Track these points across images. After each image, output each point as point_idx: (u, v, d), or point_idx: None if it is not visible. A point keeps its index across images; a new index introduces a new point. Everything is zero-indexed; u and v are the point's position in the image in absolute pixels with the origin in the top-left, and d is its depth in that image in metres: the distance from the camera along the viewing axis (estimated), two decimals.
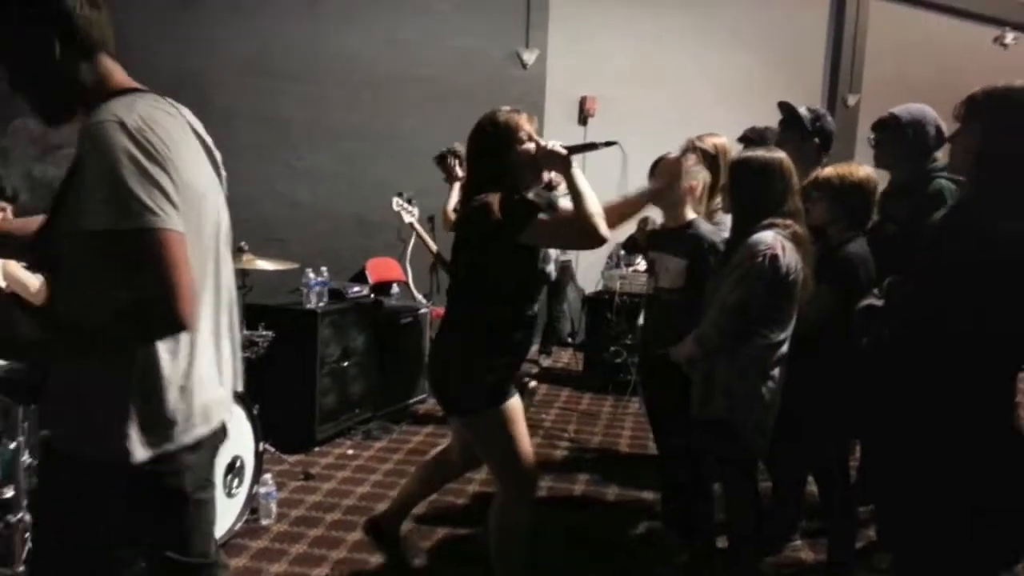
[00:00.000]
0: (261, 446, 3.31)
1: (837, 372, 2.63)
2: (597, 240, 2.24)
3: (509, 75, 6.93)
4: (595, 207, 2.25)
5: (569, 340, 7.11)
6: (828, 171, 2.80)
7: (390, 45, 6.40)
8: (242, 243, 3.52)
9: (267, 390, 3.87)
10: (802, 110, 3.30)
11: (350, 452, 4.23)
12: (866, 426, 2.21)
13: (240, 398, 3.21)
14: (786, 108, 3.37)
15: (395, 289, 5.65)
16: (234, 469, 3.17)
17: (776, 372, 2.62)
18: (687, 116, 6.21)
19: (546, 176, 2.50)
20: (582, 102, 7.43)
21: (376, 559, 3.06)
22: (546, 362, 6.65)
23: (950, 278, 1.69)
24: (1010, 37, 9.85)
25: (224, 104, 5.79)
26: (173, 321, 1.34)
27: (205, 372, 1.54)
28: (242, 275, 3.55)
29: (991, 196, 1.70)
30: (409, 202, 4.82)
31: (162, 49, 5.60)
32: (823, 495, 3.12)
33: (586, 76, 7.37)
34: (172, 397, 1.47)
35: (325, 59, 6.15)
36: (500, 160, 2.34)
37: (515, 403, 2.42)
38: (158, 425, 1.45)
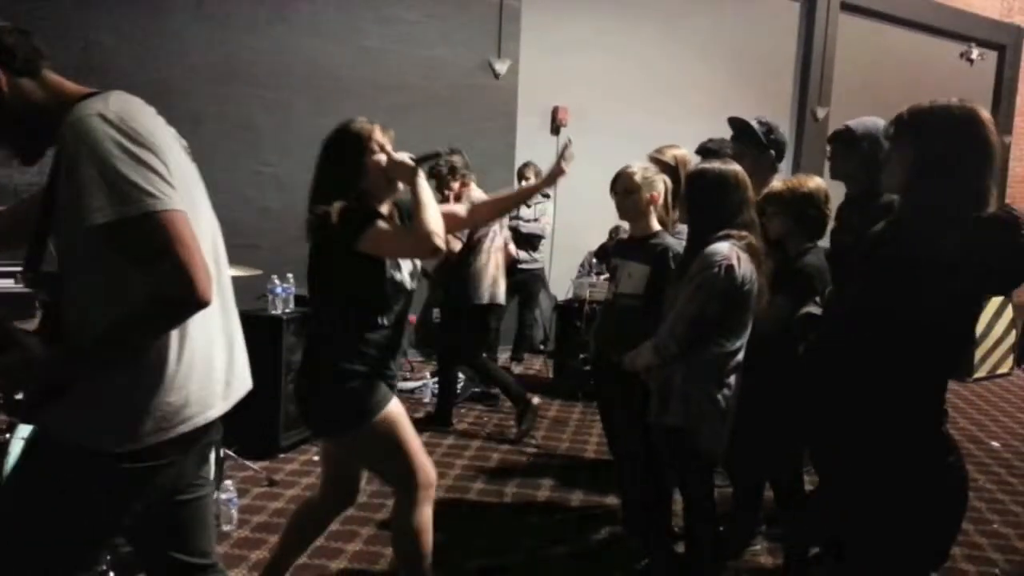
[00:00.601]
0: (222, 452, 3.30)
1: (789, 380, 2.68)
2: (429, 251, 2.25)
3: (480, 85, 6.98)
4: (434, 221, 2.24)
5: (541, 347, 7.14)
6: (777, 185, 2.87)
7: (359, 53, 6.42)
8: None
9: None
10: (754, 123, 3.35)
11: (315, 458, 4.21)
12: (805, 431, 2.25)
13: None
14: (738, 123, 3.42)
15: None
16: None
17: (731, 380, 2.66)
18: (658, 127, 6.27)
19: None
20: (554, 112, 7.49)
21: (337, 564, 3.07)
22: (517, 369, 6.67)
23: (873, 283, 1.75)
24: (975, 53, 10.08)
25: (192, 111, 5.78)
26: (192, 298, 1.35)
27: (210, 363, 1.55)
28: None
29: (919, 210, 1.75)
30: None
31: (129, 57, 5.60)
32: (778, 499, 3.18)
33: (558, 86, 7.43)
34: (175, 386, 1.47)
35: (294, 67, 6.16)
36: (346, 168, 2.33)
37: (392, 409, 2.35)
38: (159, 414, 1.45)
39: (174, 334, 1.45)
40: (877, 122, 3.10)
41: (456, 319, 4.92)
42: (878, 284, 1.75)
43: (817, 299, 2.37)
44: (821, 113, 9.07)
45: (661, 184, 3.11)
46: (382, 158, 2.34)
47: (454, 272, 4.79)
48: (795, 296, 2.72)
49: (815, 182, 2.83)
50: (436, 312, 5.69)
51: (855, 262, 1.88)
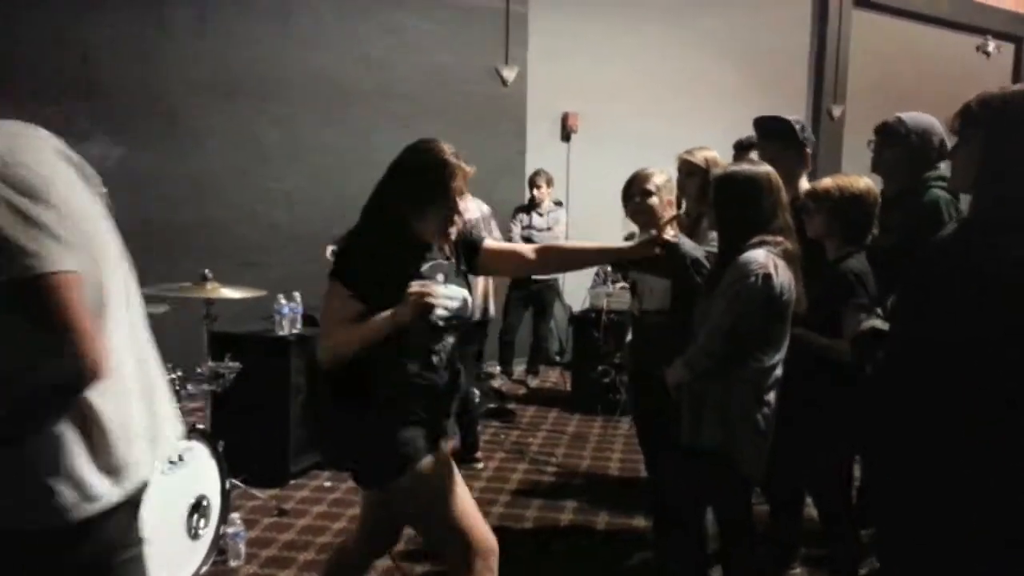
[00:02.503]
0: (228, 483, 3.13)
1: (834, 392, 2.51)
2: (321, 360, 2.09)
3: (488, 92, 6.83)
4: (344, 342, 2.05)
5: (557, 359, 6.97)
6: (827, 182, 2.68)
7: (364, 63, 6.28)
8: (206, 271, 3.35)
9: (237, 423, 3.69)
10: (790, 120, 3.16)
11: (327, 484, 4.05)
12: (870, 450, 2.05)
13: (203, 435, 3.05)
14: (768, 122, 3.22)
15: None
16: (199, 509, 2.99)
17: (771, 397, 2.48)
18: (671, 131, 6.11)
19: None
20: (564, 118, 7.32)
21: None
22: (533, 382, 6.49)
23: (960, 302, 1.54)
24: (992, 46, 9.86)
25: (195, 126, 5.67)
26: (82, 369, 1.18)
27: (132, 421, 1.37)
28: (207, 304, 3.37)
29: (999, 213, 1.55)
30: None
31: (131, 73, 5.47)
32: (823, 520, 2.99)
33: (568, 92, 7.26)
34: (109, 449, 1.30)
35: (298, 79, 6.02)
36: (411, 199, 2.13)
37: (437, 460, 2.13)
38: (90, 482, 1.28)
39: (108, 386, 1.28)
40: (933, 120, 2.95)
41: None
42: (952, 300, 1.55)
43: (879, 311, 2.18)
44: (837, 111, 8.87)
45: (674, 188, 2.95)
46: (428, 289, 2.04)
47: None
48: (838, 302, 2.54)
49: (865, 183, 2.65)
50: None
51: (922, 272, 1.69)
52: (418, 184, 2.11)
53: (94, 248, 1.30)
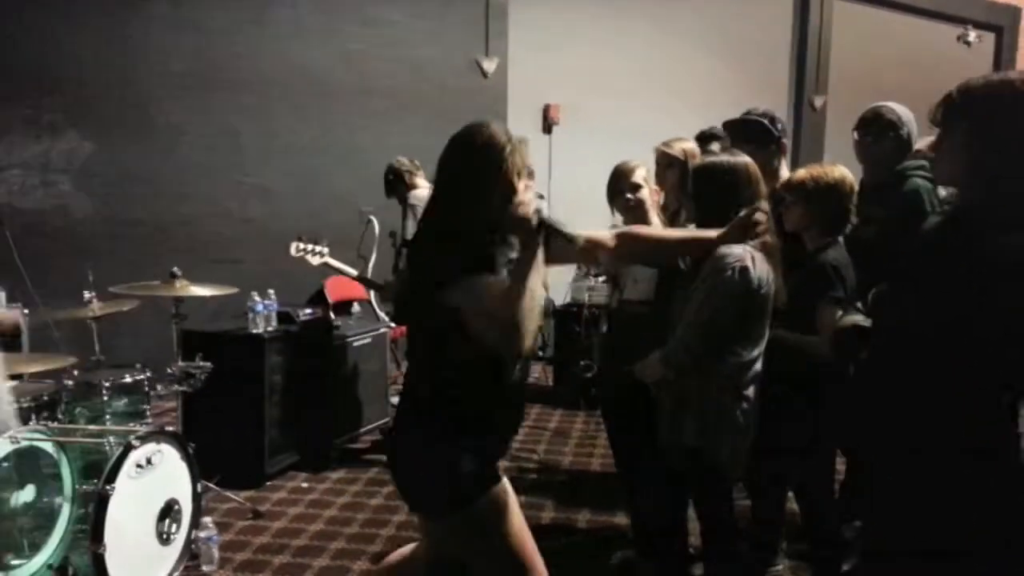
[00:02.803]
0: (199, 486, 3.06)
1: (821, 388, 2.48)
2: (511, 352, 1.79)
3: (469, 85, 6.74)
4: (530, 313, 1.73)
5: (540, 353, 6.91)
6: (801, 173, 2.63)
7: (342, 56, 6.18)
8: (174, 268, 3.27)
9: (211, 424, 3.63)
10: (756, 119, 3.09)
11: (304, 485, 3.98)
12: (859, 445, 2.01)
13: (172, 436, 2.97)
14: (737, 124, 3.15)
15: (356, 308, 5.40)
16: (170, 513, 2.92)
17: (751, 392, 2.44)
18: (654, 122, 6.02)
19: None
20: (546, 110, 7.25)
21: None
22: None
23: (949, 295, 1.49)
24: (972, 35, 9.85)
25: (171, 122, 5.57)
26: None
27: None
28: (176, 303, 3.29)
29: (988, 204, 1.51)
30: (314, 241, 4.24)
31: (105, 67, 5.37)
32: (805, 514, 2.95)
33: (549, 83, 7.19)
34: None
35: (275, 73, 5.92)
36: (485, 191, 1.86)
37: (502, 492, 1.93)
38: None
39: None
40: (906, 109, 2.95)
41: None
42: (942, 293, 1.50)
43: (859, 305, 2.14)
44: (819, 102, 8.83)
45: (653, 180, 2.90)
46: (525, 202, 1.85)
47: None
48: (817, 294, 2.50)
49: (840, 171, 2.61)
50: None
51: (909, 265, 1.64)
52: (473, 170, 1.87)
53: None
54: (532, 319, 1.75)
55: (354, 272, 4.44)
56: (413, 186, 4.61)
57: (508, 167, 1.85)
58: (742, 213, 2.27)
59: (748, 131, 3.07)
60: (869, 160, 3.00)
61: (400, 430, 2.06)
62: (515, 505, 1.98)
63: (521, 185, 1.89)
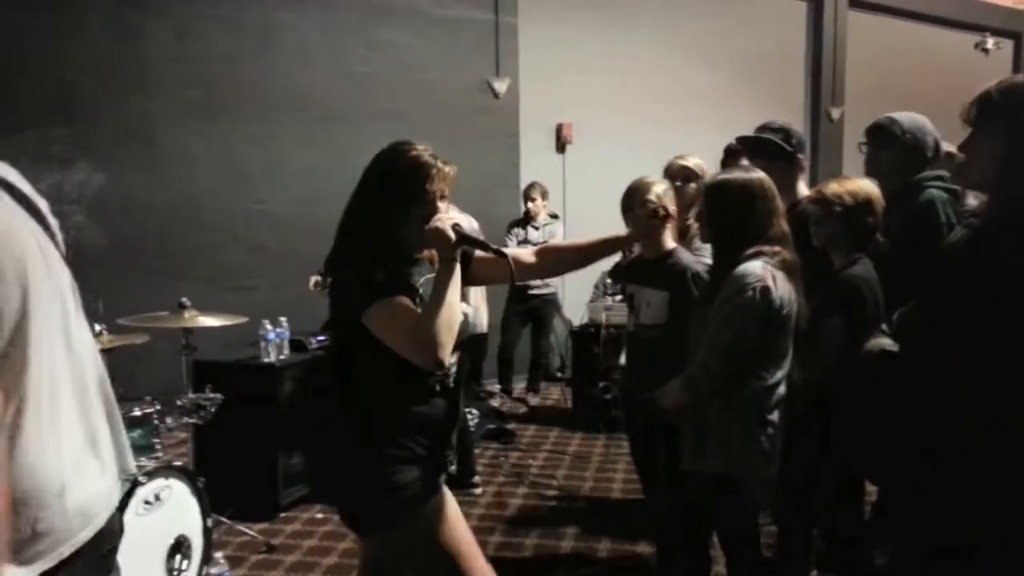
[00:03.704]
0: (210, 521, 2.99)
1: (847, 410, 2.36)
2: (430, 364, 1.80)
3: (480, 106, 6.71)
4: (445, 326, 1.78)
5: (558, 375, 6.82)
6: (835, 187, 2.51)
7: (349, 80, 6.15)
8: (183, 299, 3.23)
9: (224, 456, 3.57)
10: (769, 136, 3.00)
11: (319, 516, 3.89)
12: (894, 463, 1.91)
13: (182, 471, 2.91)
14: (751, 141, 3.08)
15: None
16: (180, 549, 2.85)
17: (775, 416, 2.34)
18: (667, 139, 5.96)
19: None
20: (558, 129, 7.20)
21: None
22: (534, 400, 6.33)
23: (981, 316, 1.39)
24: (991, 43, 9.73)
25: (177, 149, 5.56)
26: None
27: (78, 463, 1.24)
28: (185, 333, 3.24)
29: (1019, 214, 1.41)
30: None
31: (109, 94, 5.37)
32: (780, 534, 2.87)
33: (561, 103, 7.14)
34: (45, 501, 1.17)
35: (281, 98, 5.89)
36: (390, 206, 1.91)
37: (440, 503, 1.94)
38: (32, 540, 1.15)
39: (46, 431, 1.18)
40: (923, 118, 2.85)
41: None
42: (969, 311, 1.41)
43: (884, 326, 2.04)
44: (836, 114, 8.74)
45: (669, 196, 2.82)
46: (441, 219, 1.88)
47: None
48: (851, 314, 2.39)
49: (872, 186, 2.52)
50: None
51: (935, 281, 1.54)
52: (394, 187, 1.91)
53: (20, 291, 1.16)
54: (450, 333, 1.80)
55: None
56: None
57: (432, 188, 1.91)
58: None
59: (762, 147, 2.99)
60: (873, 172, 2.89)
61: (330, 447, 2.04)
62: (453, 513, 1.98)
63: (443, 205, 1.93)
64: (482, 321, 4.67)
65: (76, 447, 1.26)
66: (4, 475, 1.11)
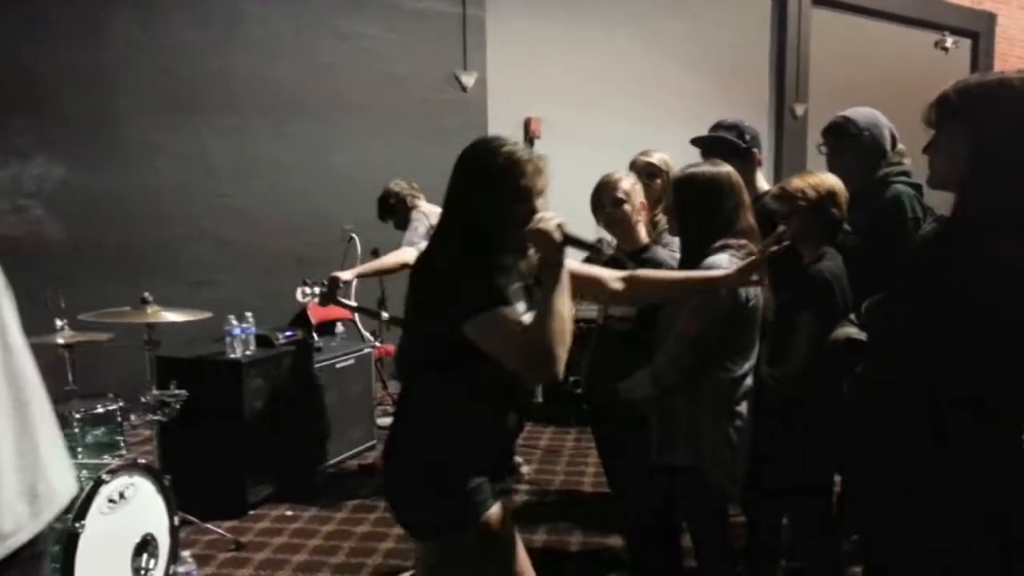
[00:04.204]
0: (177, 519, 2.95)
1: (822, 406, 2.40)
2: (544, 377, 1.71)
3: (448, 99, 6.69)
4: (558, 336, 1.66)
5: None
6: (798, 183, 2.53)
7: (317, 73, 6.10)
8: (145, 294, 3.17)
9: (190, 453, 3.52)
10: (723, 134, 3.03)
11: (289, 513, 3.86)
12: (858, 459, 1.94)
13: (146, 469, 2.86)
14: (706, 141, 3.09)
15: (340, 329, 5.30)
16: (146, 548, 2.81)
17: (743, 408, 2.36)
18: (635, 134, 5.98)
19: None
20: (527, 124, 7.20)
21: None
22: None
23: (945, 307, 1.42)
24: (950, 41, 9.94)
25: (142, 141, 5.47)
26: None
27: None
28: (148, 329, 3.19)
29: (983, 210, 1.44)
30: (320, 283, 3.93)
31: (73, 89, 5.26)
32: (797, 532, 2.87)
33: (529, 97, 7.14)
34: None
35: (248, 91, 5.83)
36: (496, 207, 1.79)
37: (496, 514, 1.84)
38: None
39: None
40: (875, 112, 2.88)
41: None
42: (937, 305, 1.43)
43: (853, 316, 2.07)
44: (800, 110, 8.85)
45: (641, 191, 2.83)
46: (547, 218, 1.75)
47: None
48: (822, 307, 2.41)
49: (833, 179, 2.55)
50: None
51: (903, 275, 1.57)
52: (492, 188, 1.79)
53: None
54: (564, 342, 1.68)
55: (373, 308, 4.42)
56: (415, 208, 4.48)
57: (530, 186, 1.79)
58: (755, 256, 2.11)
59: (716, 146, 3.01)
60: (834, 170, 2.93)
61: (395, 453, 1.95)
62: (512, 529, 1.91)
63: (540, 202, 1.81)
64: None
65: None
66: None
